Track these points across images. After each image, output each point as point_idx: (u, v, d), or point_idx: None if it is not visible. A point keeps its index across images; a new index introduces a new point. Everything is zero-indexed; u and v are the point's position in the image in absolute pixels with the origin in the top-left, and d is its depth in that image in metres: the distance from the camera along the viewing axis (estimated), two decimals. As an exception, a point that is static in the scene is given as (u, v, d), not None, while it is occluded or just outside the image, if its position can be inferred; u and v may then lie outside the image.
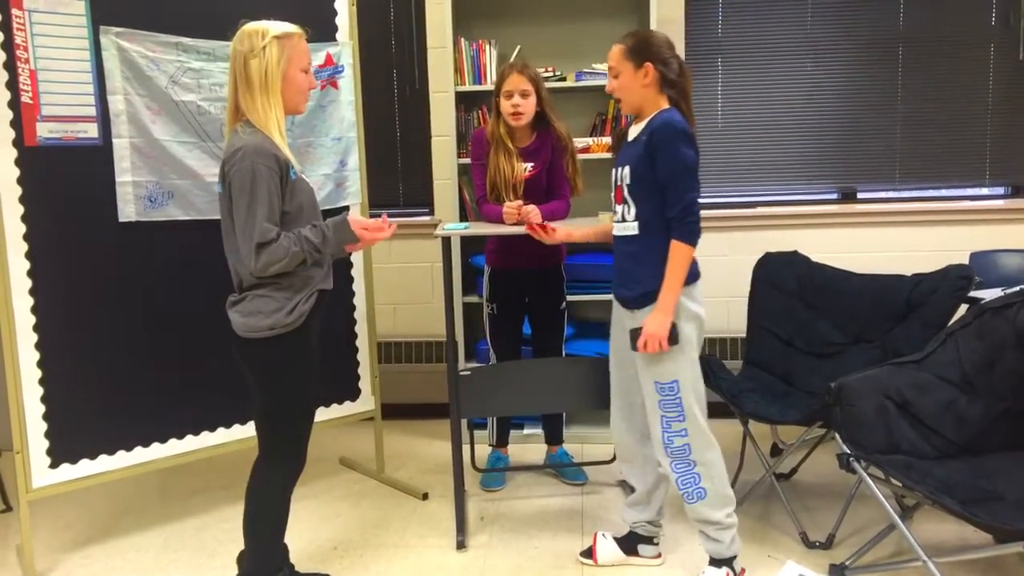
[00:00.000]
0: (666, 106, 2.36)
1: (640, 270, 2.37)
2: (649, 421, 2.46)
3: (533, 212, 2.85)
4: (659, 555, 2.64)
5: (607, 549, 2.64)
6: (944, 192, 4.08)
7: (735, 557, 2.45)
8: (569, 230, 2.70)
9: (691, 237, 2.29)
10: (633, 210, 2.37)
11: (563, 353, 3.39)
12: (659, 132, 2.28)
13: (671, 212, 2.29)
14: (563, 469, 3.39)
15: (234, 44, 2.19)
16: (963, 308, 2.74)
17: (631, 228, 2.39)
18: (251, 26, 2.18)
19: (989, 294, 2.73)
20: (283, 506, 2.31)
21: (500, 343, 3.34)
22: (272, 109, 2.17)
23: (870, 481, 2.35)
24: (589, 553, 2.65)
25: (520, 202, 2.88)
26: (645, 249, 2.35)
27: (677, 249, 2.29)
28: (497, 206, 2.96)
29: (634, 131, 2.42)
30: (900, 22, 3.94)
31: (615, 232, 2.48)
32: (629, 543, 2.64)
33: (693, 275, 2.37)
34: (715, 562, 2.46)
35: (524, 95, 3.02)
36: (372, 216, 2.49)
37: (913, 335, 2.79)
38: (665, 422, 2.40)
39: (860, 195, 4.09)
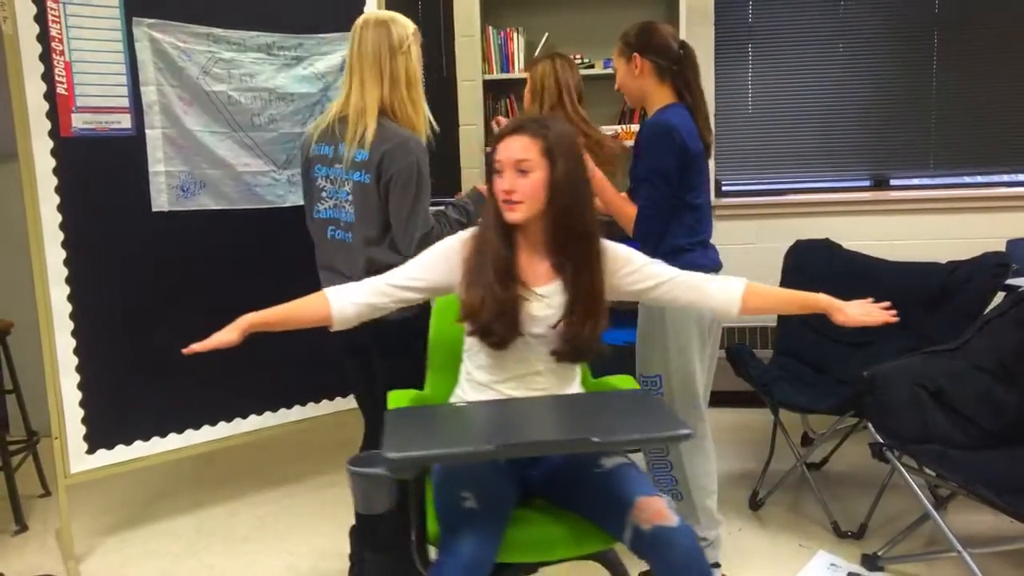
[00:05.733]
0: (671, 100, 2.27)
1: None
2: None
3: None
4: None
5: None
6: (980, 179, 4.00)
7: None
8: None
9: (640, 227, 2.23)
10: None
11: None
12: (644, 131, 2.23)
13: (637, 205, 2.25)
14: None
15: (367, 35, 2.22)
16: (1000, 296, 2.70)
17: None
18: (387, 17, 2.23)
19: (1027, 282, 2.69)
20: None
21: None
22: (421, 107, 2.23)
23: (903, 470, 2.33)
24: None
25: None
26: None
27: (631, 210, 2.24)
28: None
29: None
30: (935, 5, 3.86)
31: None
32: None
33: (690, 266, 2.17)
34: None
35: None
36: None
37: (948, 323, 2.75)
38: None
39: (893, 182, 4.02)
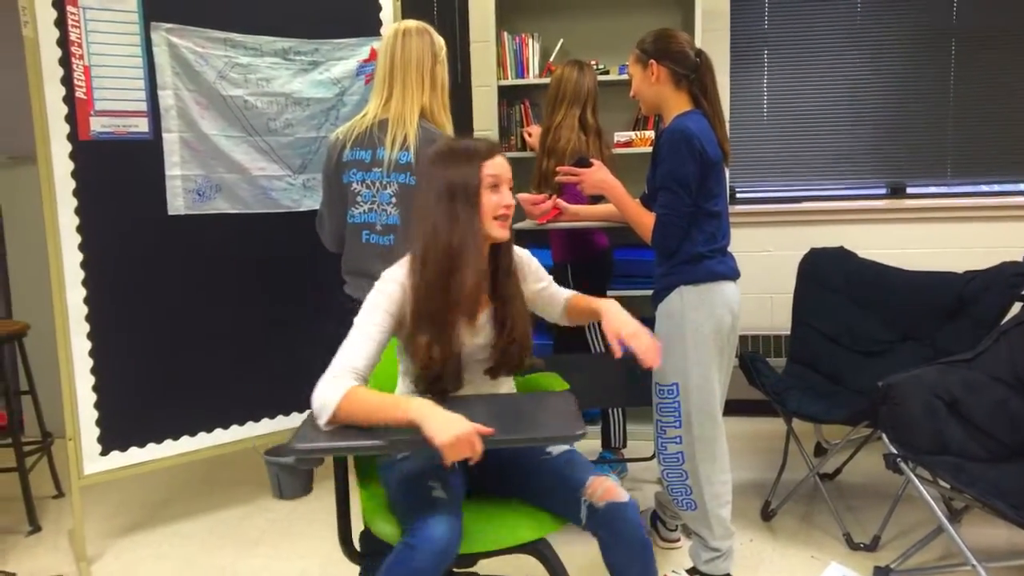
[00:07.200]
0: (687, 107, 2.26)
1: (657, 269, 2.33)
2: None
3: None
4: None
5: None
6: (997, 187, 3.97)
7: None
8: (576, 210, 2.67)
9: (657, 235, 2.23)
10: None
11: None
12: (664, 137, 2.22)
13: (656, 212, 2.25)
14: None
15: (410, 43, 2.32)
16: (1017, 306, 2.67)
17: None
18: (424, 27, 2.35)
19: (1044, 293, 2.66)
20: None
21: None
22: (450, 116, 2.34)
23: (918, 482, 2.31)
24: None
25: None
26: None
27: (648, 219, 2.26)
28: None
29: None
30: (953, 13, 3.84)
31: None
32: None
33: (709, 274, 2.24)
34: (690, 570, 2.39)
35: None
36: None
37: (964, 334, 2.73)
38: (660, 427, 2.34)
39: (910, 190, 4.00)
